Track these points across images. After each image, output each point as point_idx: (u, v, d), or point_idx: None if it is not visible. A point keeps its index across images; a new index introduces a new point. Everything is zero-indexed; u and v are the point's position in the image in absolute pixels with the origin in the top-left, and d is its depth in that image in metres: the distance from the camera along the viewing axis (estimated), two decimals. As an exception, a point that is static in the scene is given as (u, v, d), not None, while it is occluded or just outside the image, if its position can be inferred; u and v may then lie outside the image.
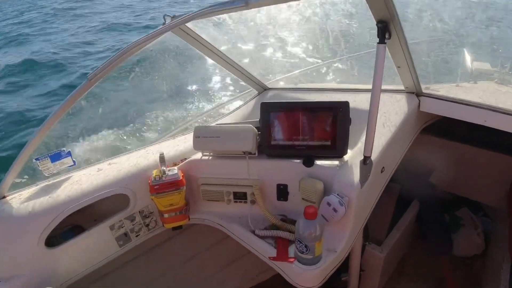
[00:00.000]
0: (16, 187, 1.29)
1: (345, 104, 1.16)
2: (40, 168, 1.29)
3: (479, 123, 1.36)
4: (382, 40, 0.93)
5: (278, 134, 1.23)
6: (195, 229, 1.70)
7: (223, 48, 1.47)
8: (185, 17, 1.12)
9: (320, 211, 1.13)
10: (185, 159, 1.43)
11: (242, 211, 1.36)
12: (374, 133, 1.06)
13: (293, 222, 1.23)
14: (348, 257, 1.55)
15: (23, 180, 1.38)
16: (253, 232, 1.27)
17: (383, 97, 1.47)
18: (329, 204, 1.10)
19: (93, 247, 1.31)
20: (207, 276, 1.87)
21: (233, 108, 1.78)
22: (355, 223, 1.17)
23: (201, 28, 1.34)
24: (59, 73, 6.64)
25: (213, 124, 1.34)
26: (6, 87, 6.10)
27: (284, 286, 1.23)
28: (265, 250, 1.17)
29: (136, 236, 1.43)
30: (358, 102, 1.45)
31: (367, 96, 1.02)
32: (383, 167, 1.26)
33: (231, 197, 1.35)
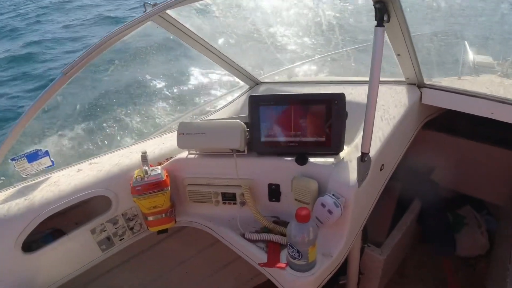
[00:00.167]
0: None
1: (341, 96, 1.06)
2: (16, 169, 1.23)
3: (485, 116, 1.27)
4: (380, 23, 0.84)
5: (269, 130, 1.14)
6: (185, 232, 1.62)
7: (210, 39, 1.38)
8: (165, 3, 1.04)
9: (314, 213, 1.04)
10: (171, 158, 1.34)
11: (231, 213, 1.28)
12: (373, 128, 0.97)
13: (286, 224, 1.14)
14: (346, 259, 1.47)
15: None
16: (243, 235, 1.19)
17: (382, 89, 1.39)
18: (323, 205, 1.01)
19: (74, 252, 1.24)
20: (199, 281, 1.80)
21: (223, 104, 1.69)
22: (353, 225, 1.09)
23: (185, 17, 1.24)
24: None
25: (199, 120, 1.24)
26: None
27: None
28: (256, 255, 1.09)
29: (120, 240, 1.35)
30: (355, 94, 1.36)
31: (365, 88, 0.94)
32: (383, 165, 1.17)
33: (219, 198, 1.26)
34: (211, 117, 1.60)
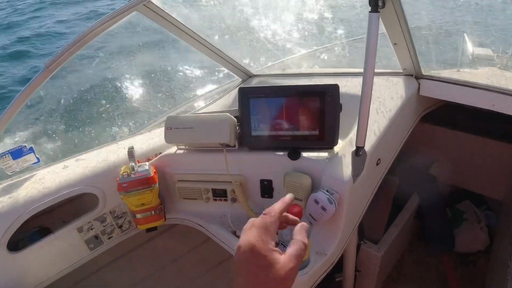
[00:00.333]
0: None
1: (335, 87, 1.01)
2: (1, 166, 1.19)
3: (486, 108, 1.22)
4: (374, 9, 0.79)
5: (260, 124, 1.09)
6: (176, 229, 1.58)
7: (199, 30, 1.33)
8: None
9: (307, 209, 1.00)
10: (160, 153, 1.29)
11: (223, 210, 1.24)
12: (368, 120, 0.92)
13: (279, 222, 1.10)
14: (342, 256, 1.43)
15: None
16: (234, 233, 1.15)
17: (378, 80, 1.34)
18: (317, 202, 0.97)
19: (61, 251, 1.20)
20: (192, 279, 1.76)
21: (215, 98, 1.64)
22: (348, 222, 1.05)
23: (171, 6, 1.19)
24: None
25: (188, 114, 1.20)
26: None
27: None
28: None
29: (109, 238, 1.32)
30: (350, 86, 1.31)
31: (361, 80, 0.89)
32: (379, 159, 1.12)
33: (210, 194, 1.22)
34: (201, 111, 1.55)
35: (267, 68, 1.82)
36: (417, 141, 1.52)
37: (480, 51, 2.06)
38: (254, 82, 1.68)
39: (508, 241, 1.53)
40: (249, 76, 1.71)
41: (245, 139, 1.12)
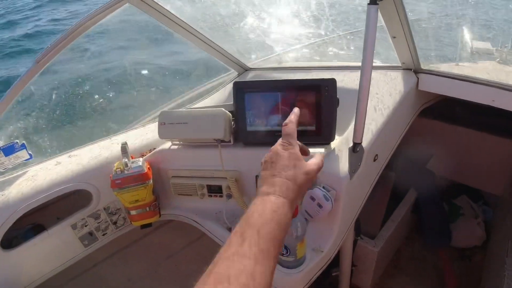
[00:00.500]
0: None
1: (332, 82, 0.99)
2: None
3: (486, 104, 1.20)
4: (373, 1, 0.77)
5: (255, 119, 1.06)
6: (172, 225, 1.57)
7: (193, 22, 1.29)
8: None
9: (303, 206, 0.99)
10: (154, 149, 1.27)
11: (218, 206, 1.22)
12: (365, 116, 0.90)
13: (275, 218, 1.09)
14: (339, 252, 1.42)
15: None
16: (230, 229, 1.14)
17: (377, 75, 1.32)
18: (313, 198, 0.95)
19: (55, 248, 1.19)
20: (189, 274, 1.74)
21: (210, 91, 1.61)
22: (344, 219, 1.03)
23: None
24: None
25: (182, 109, 1.17)
26: None
27: None
28: None
29: (103, 235, 1.31)
30: (348, 81, 1.29)
31: (359, 74, 0.86)
32: (376, 155, 1.11)
33: (205, 191, 1.20)
34: (196, 105, 1.52)
35: (263, 61, 1.79)
36: (415, 135, 1.50)
37: (479, 44, 2.04)
38: (249, 76, 1.65)
39: (505, 237, 1.52)
40: (245, 69, 1.68)
41: (240, 135, 1.10)
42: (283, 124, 0.65)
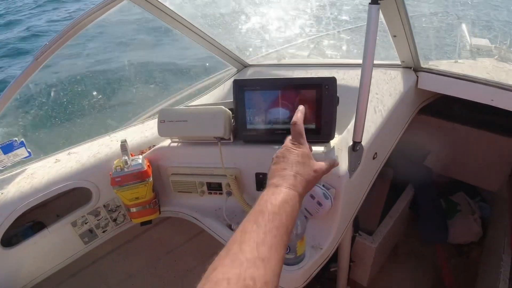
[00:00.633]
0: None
1: (332, 80, 0.99)
2: None
3: (485, 103, 1.21)
4: (374, 0, 0.76)
5: (255, 117, 1.06)
6: (171, 221, 1.58)
7: (192, 19, 1.28)
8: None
9: (303, 204, 0.99)
10: (153, 146, 1.27)
11: (217, 204, 1.22)
12: (366, 114, 0.90)
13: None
14: (337, 248, 1.43)
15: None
16: (230, 226, 1.14)
17: (377, 73, 1.32)
18: (312, 196, 0.96)
19: (55, 245, 1.19)
20: (188, 270, 1.76)
21: (210, 88, 1.61)
22: (343, 217, 1.04)
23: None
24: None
25: (181, 107, 1.17)
26: None
27: None
28: None
29: (103, 232, 1.31)
30: (348, 79, 1.29)
31: (358, 72, 0.86)
32: (376, 153, 1.11)
33: (205, 188, 1.20)
34: (195, 102, 1.51)
35: (263, 58, 1.79)
36: (413, 132, 1.51)
37: (478, 41, 2.04)
38: (249, 73, 1.64)
39: (502, 233, 1.54)
40: (244, 66, 1.67)
41: (240, 132, 1.10)
42: (291, 123, 0.69)
